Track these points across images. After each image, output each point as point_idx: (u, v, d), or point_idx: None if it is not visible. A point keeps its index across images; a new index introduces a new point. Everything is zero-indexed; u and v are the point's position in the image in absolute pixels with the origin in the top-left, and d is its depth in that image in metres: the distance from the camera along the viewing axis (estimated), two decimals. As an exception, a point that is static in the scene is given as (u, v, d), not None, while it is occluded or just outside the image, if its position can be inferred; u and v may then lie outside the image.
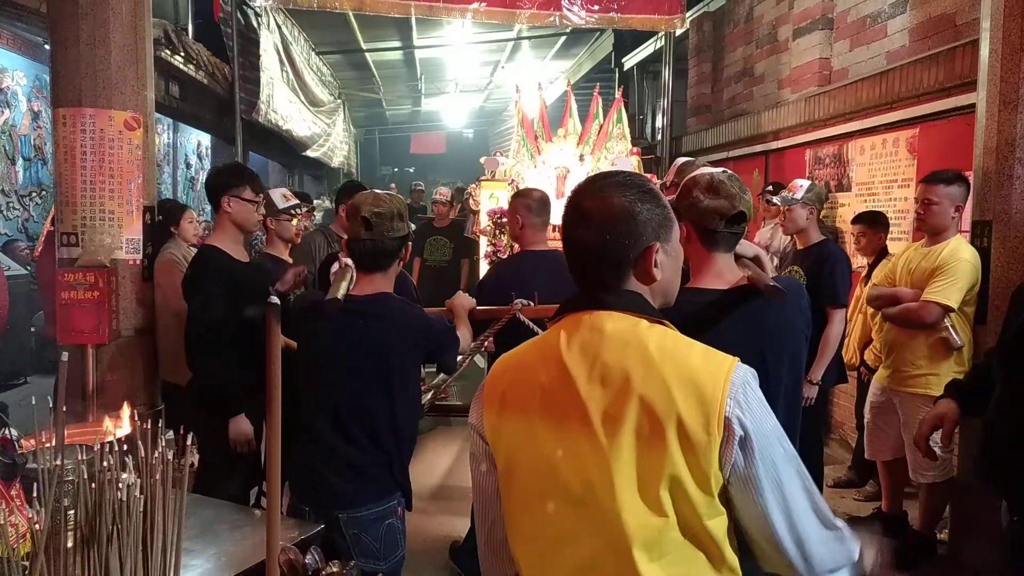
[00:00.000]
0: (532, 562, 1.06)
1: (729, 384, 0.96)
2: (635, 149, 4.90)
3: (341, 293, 1.82)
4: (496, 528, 1.13)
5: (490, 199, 4.51)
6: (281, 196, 3.37)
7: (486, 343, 2.60)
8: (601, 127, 4.70)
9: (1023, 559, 1.76)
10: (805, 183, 3.32)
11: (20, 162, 6.55)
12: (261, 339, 2.60)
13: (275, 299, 0.97)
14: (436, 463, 4.46)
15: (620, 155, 4.63)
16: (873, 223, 3.80)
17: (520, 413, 1.05)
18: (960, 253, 2.86)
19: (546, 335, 1.09)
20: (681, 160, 3.28)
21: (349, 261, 1.94)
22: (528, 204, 2.83)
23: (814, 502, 1.01)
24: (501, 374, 1.12)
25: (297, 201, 3.46)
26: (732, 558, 0.99)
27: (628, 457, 0.96)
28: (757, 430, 0.96)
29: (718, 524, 0.98)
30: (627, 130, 4.85)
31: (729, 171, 1.61)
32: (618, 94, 4.99)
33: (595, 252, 1.05)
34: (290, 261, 3.39)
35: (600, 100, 4.82)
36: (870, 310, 3.55)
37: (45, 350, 5.74)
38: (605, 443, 0.97)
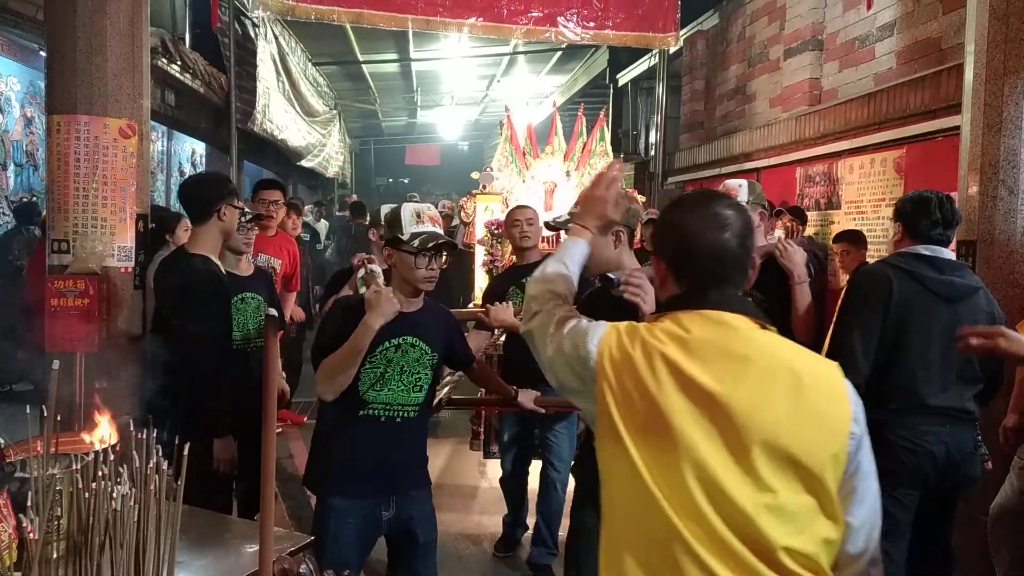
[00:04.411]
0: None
1: None
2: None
3: None
4: None
5: (485, 211, 4.60)
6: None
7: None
8: (585, 144, 4.88)
9: None
10: (744, 183, 2.69)
11: (11, 168, 6.52)
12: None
13: (272, 311, 0.98)
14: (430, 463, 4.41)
15: (603, 171, 4.76)
16: (856, 241, 3.92)
17: None
18: None
19: None
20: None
21: (376, 267, 2.10)
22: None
23: None
24: None
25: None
26: None
27: None
28: None
29: None
30: (609, 147, 5.09)
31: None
32: (601, 114, 5.19)
33: None
34: None
35: (584, 119, 5.00)
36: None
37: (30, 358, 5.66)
38: None
